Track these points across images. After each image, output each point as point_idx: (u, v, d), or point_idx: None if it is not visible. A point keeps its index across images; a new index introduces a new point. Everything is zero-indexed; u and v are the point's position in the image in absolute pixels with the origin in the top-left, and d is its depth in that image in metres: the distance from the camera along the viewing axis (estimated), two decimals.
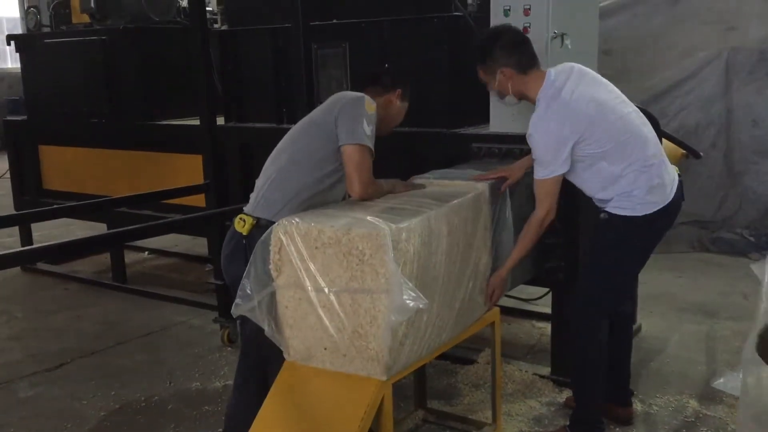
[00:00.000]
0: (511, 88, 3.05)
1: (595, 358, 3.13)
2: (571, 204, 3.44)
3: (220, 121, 4.89)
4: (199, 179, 4.80)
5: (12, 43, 6.25)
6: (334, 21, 4.40)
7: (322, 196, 2.79)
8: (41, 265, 6.20)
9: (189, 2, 4.66)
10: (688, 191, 3.50)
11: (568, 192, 3.11)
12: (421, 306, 2.30)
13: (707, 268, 5.65)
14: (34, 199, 6.20)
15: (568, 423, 3.27)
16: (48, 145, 6.20)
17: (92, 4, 5.71)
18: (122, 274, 5.83)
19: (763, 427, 2.12)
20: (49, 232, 6.50)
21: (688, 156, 4.31)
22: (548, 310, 4.02)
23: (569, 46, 3.46)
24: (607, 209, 3.01)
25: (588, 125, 2.89)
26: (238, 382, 2.95)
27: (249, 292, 2.51)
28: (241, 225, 2.78)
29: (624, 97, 3.06)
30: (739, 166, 6.11)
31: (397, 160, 4.13)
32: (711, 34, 6.17)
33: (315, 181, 2.77)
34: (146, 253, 6.73)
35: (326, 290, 2.42)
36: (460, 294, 2.79)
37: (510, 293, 3.83)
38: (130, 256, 6.31)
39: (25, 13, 7.01)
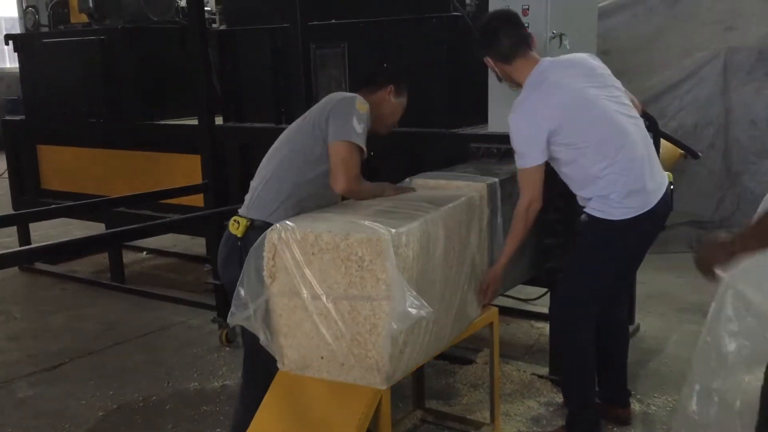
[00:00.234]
0: (501, 75, 3.07)
1: (582, 360, 3.12)
2: (569, 204, 3.44)
3: (219, 121, 4.89)
4: (197, 179, 4.80)
5: (10, 42, 6.24)
6: (333, 21, 4.40)
7: (317, 196, 2.78)
8: (39, 265, 6.19)
9: (187, 2, 4.67)
10: (686, 191, 3.49)
11: (568, 193, 3.11)
12: (423, 314, 2.25)
13: None
14: (33, 198, 6.20)
15: (565, 425, 3.26)
16: (46, 144, 6.20)
17: (90, 4, 5.70)
18: (121, 274, 5.82)
19: None
20: (47, 232, 6.50)
21: (686, 156, 4.31)
22: (546, 310, 4.02)
23: (567, 47, 3.46)
24: (587, 210, 2.99)
25: (565, 115, 2.86)
26: (243, 391, 2.92)
27: (244, 300, 2.45)
28: (236, 227, 2.76)
29: (625, 100, 3.02)
30: (738, 166, 6.12)
31: (396, 160, 4.14)
32: (709, 34, 6.17)
33: (309, 181, 2.76)
34: (145, 253, 6.73)
35: (323, 297, 2.35)
36: (457, 298, 2.77)
37: (508, 293, 3.83)
38: (128, 256, 6.31)
39: (24, 12, 7.01)
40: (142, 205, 5.27)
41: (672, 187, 3.13)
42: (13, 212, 6.08)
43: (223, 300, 4.43)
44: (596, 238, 2.99)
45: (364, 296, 2.29)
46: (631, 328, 3.93)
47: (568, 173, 2.99)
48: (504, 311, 4.36)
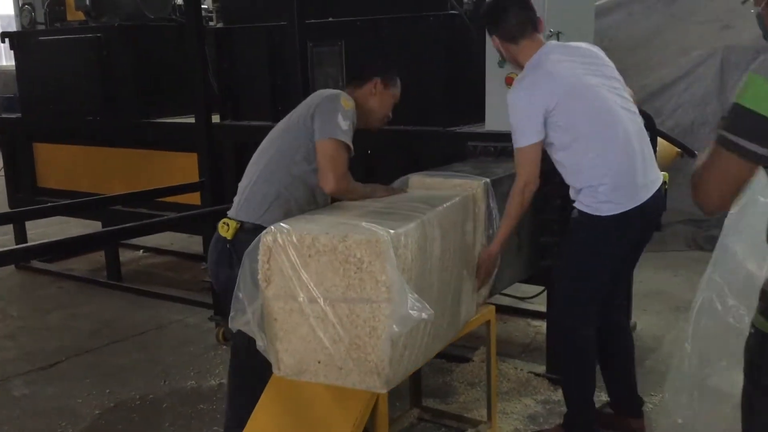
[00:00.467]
0: (506, 56, 3.05)
1: (582, 360, 3.10)
2: (566, 203, 3.45)
3: (216, 119, 4.88)
4: (194, 177, 4.80)
5: (6, 40, 6.22)
6: (330, 19, 4.40)
7: (306, 196, 2.76)
8: (36, 264, 6.19)
9: (184, 0, 4.65)
10: (682, 190, 3.48)
11: (565, 192, 3.11)
12: (425, 316, 2.22)
13: (701, 267, 5.60)
14: (29, 197, 6.18)
15: (562, 422, 3.27)
16: (43, 142, 6.18)
17: (87, 2, 5.69)
18: (117, 272, 5.82)
19: None
20: (43, 230, 6.49)
21: (683, 155, 4.31)
22: (543, 308, 4.03)
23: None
24: (576, 206, 2.98)
25: (562, 96, 2.84)
26: (231, 392, 2.89)
27: (242, 304, 2.41)
28: (225, 229, 2.74)
29: (626, 94, 3.01)
30: None
31: (393, 159, 4.15)
32: (706, 32, 6.18)
33: (296, 180, 2.74)
34: (141, 251, 6.73)
35: (320, 300, 2.30)
36: (454, 298, 2.76)
37: (505, 292, 3.83)
38: (125, 255, 6.31)
39: (20, 10, 6.98)
40: (138, 203, 5.26)
41: (666, 187, 3.12)
42: (9, 210, 6.06)
43: (219, 298, 4.43)
44: (587, 236, 2.98)
45: (363, 299, 2.25)
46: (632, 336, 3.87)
47: (560, 160, 2.96)
48: (501, 309, 4.36)
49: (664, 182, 3.07)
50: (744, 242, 2.60)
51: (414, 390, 3.50)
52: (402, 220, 2.41)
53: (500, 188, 3.08)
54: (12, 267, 6.13)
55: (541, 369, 3.88)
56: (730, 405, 2.56)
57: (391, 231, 2.26)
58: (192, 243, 6.62)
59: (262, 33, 4.69)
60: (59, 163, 6.10)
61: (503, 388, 3.73)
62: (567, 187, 3.07)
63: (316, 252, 2.30)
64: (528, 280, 3.76)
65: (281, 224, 2.37)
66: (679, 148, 4.29)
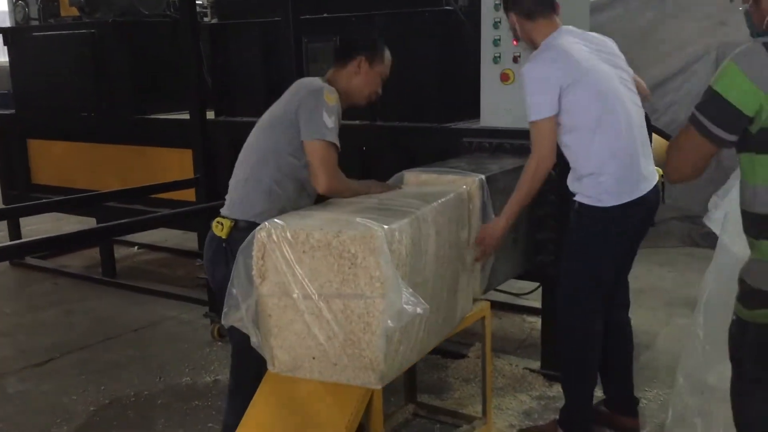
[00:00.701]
0: (521, 33, 3.04)
1: (584, 356, 3.10)
2: (561, 199, 3.45)
3: (210, 115, 4.87)
4: (189, 173, 4.79)
5: (0, 36, 6.20)
6: (325, 15, 4.39)
7: (296, 190, 2.75)
8: (30, 260, 6.18)
9: None
10: (677, 186, 3.49)
11: (560, 187, 3.11)
12: (419, 311, 2.21)
13: (696, 263, 5.66)
14: (23, 193, 6.16)
15: (557, 417, 3.27)
16: (37, 139, 6.16)
17: None
18: (112, 269, 5.81)
19: None
20: (38, 227, 6.48)
21: None
22: (538, 304, 4.03)
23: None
24: (577, 199, 2.98)
25: (577, 76, 2.84)
26: (231, 390, 2.89)
27: (236, 300, 2.40)
28: (219, 228, 2.72)
29: (633, 87, 3.02)
30: (729, 160, 6.04)
31: (389, 155, 4.14)
32: (701, 29, 6.18)
33: (286, 176, 2.72)
34: (136, 247, 6.71)
35: (315, 296, 2.29)
36: (449, 294, 2.75)
37: (501, 288, 3.83)
38: (119, 251, 6.29)
39: (14, 6, 6.95)
40: (133, 199, 5.24)
41: (663, 180, 3.12)
42: (3, 206, 6.05)
43: (214, 295, 4.42)
44: (588, 230, 2.98)
45: (357, 294, 2.25)
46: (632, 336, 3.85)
47: (567, 143, 2.96)
48: (496, 306, 4.38)
49: (661, 176, 3.08)
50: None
51: (409, 386, 3.50)
52: (396, 215, 2.40)
53: (495, 184, 3.07)
54: (6, 263, 6.11)
55: (537, 365, 3.88)
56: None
57: (385, 226, 2.26)
58: (187, 240, 6.61)
59: (257, 29, 4.67)
60: (53, 160, 6.08)
61: (498, 383, 3.74)
62: (562, 183, 3.08)
63: (310, 248, 2.29)
64: (523, 276, 3.76)
65: (275, 220, 2.37)
66: None
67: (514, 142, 3.56)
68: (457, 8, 3.99)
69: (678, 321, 4.53)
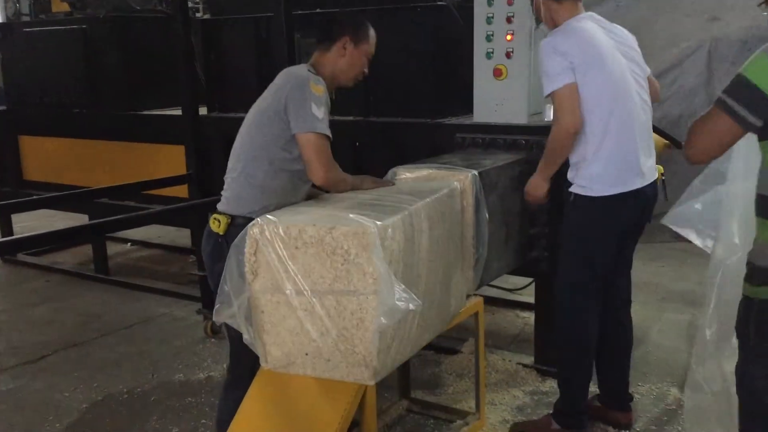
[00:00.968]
0: (544, 14, 3.04)
1: (579, 349, 3.10)
2: (554, 193, 3.45)
3: (203, 111, 4.86)
4: (181, 170, 4.77)
5: None
6: (318, 10, 4.37)
7: (290, 183, 2.74)
8: (22, 257, 6.15)
9: None
10: (670, 181, 3.49)
11: (553, 182, 3.11)
12: (412, 307, 2.21)
13: (689, 258, 5.68)
14: (15, 189, 6.13)
15: (551, 411, 3.27)
16: (28, 135, 6.13)
17: None
18: (105, 265, 5.79)
19: None
20: (29, 224, 6.44)
21: (671, 146, 4.32)
22: (532, 300, 4.04)
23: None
24: (572, 189, 2.99)
25: (592, 57, 2.85)
26: (229, 384, 2.87)
27: (228, 297, 2.39)
28: (217, 225, 2.71)
29: (645, 84, 3.03)
30: None
31: (381, 151, 4.14)
32: (694, 24, 6.20)
33: (279, 170, 2.71)
34: (129, 244, 6.70)
35: (308, 292, 2.29)
36: (442, 290, 2.75)
37: (494, 283, 3.84)
38: (112, 248, 6.28)
39: (4, 1, 6.92)
40: (125, 196, 5.23)
41: (664, 178, 3.13)
42: None
43: (207, 291, 4.41)
44: (581, 220, 2.99)
45: (350, 290, 2.25)
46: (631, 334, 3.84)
47: None
48: (489, 301, 4.37)
49: (662, 174, 3.09)
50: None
51: (403, 381, 3.50)
52: (389, 211, 2.40)
53: (488, 180, 3.07)
54: None
55: (530, 360, 3.89)
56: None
57: (378, 222, 2.25)
58: (180, 236, 6.59)
59: (250, 24, 4.66)
60: (45, 156, 6.05)
61: (492, 379, 3.74)
62: (555, 179, 3.08)
63: (303, 244, 2.29)
64: (517, 272, 3.76)
65: (268, 216, 2.36)
66: (667, 139, 4.30)
67: (507, 137, 3.56)
68: (450, 3, 3.98)
69: (671, 316, 4.54)
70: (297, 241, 2.29)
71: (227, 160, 2.87)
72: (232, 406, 2.60)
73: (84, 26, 5.50)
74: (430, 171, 3.02)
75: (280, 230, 2.31)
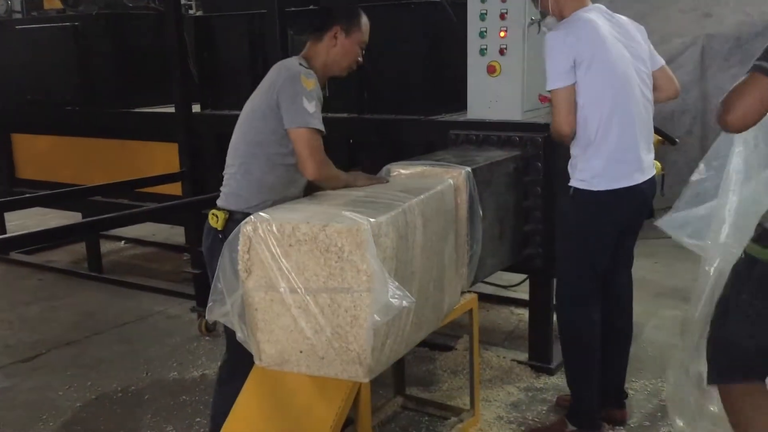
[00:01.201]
0: (552, 5, 3.03)
1: (584, 347, 3.08)
2: (548, 191, 3.45)
3: (196, 108, 4.85)
4: (175, 167, 4.76)
5: None
6: (311, 7, 4.36)
7: (287, 177, 2.74)
8: (15, 255, 6.13)
9: None
10: (666, 178, 3.50)
11: (547, 179, 3.12)
12: (406, 304, 2.21)
13: (683, 254, 5.66)
14: (7, 188, 6.11)
15: (566, 413, 3.23)
16: (21, 133, 6.10)
17: None
18: (98, 263, 5.78)
19: None
20: (23, 222, 6.42)
21: (664, 142, 4.33)
22: (526, 296, 4.04)
23: (546, 32, 3.46)
24: (571, 184, 2.99)
25: (598, 49, 2.85)
26: (225, 379, 2.86)
27: (221, 294, 2.39)
28: (215, 220, 2.72)
29: (648, 81, 3.03)
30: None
31: (375, 147, 4.13)
32: (687, 21, 6.21)
33: (275, 164, 2.72)
34: (123, 242, 6.68)
35: (301, 290, 2.28)
36: (436, 287, 2.75)
37: (488, 280, 3.84)
38: (106, 246, 6.26)
39: None
40: (118, 194, 5.21)
41: (664, 173, 3.13)
42: None
43: (201, 289, 4.41)
44: (581, 214, 2.99)
45: (344, 288, 2.25)
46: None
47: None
48: (484, 298, 4.39)
49: (661, 170, 3.09)
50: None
51: (397, 378, 3.51)
52: (383, 208, 2.39)
53: (482, 177, 3.07)
54: None
55: (524, 357, 3.90)
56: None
57: (372, 220, 2.25)
58: (174, 234, 6.58)
59: (242, 21, 4.64)
60: (38, 154, 6.03)
61: (486, 375, 3.75)
62: (549, 176, 3.08)
63: (296, 241, 2.28)
64: (511, 269, 3.76)
65: (261, 214, 2.36)
66: (660, 135, 4.31)
67: (501, 134, 3.56)
68: (444, 0, 3.98)
69: (665, 312, 4.55)
70: (290, 239, 2.29)
71: (221, 158, 2.88)
72: (227, 400, 2.60)
73: (76, 23, 5.47)
74: (424, 168, 3.01)
75: (274, 228, 2.30)
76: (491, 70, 3.64)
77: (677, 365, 2.85)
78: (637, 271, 3.45)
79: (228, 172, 2.83)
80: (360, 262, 2.21)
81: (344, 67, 2.91)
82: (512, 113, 3.63)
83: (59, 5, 5.87)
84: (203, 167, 4.68)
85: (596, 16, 2.96)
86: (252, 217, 2.35)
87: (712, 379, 2.44)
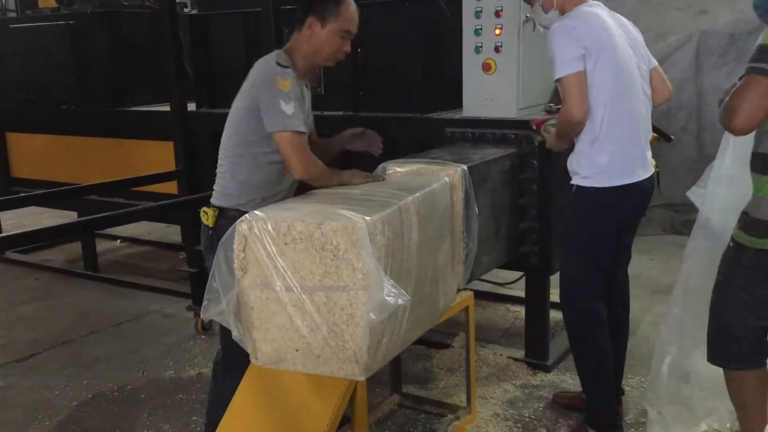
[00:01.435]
0: (555, 1, 3.02)
1: (594, 346, 3.06)
2: (544, 188, 3.46)
3: (192, 106, 4.84)
4: (170, 166, 4.75)
5: None
6: None
7: (274, 174, 2.75)
8: (11, 255, 6.13)
9: None
10: (661, 175, 3.51)
11: (543, 177, 3.12)
12: (401, 302, 2.21)
13: (679, 251, 5.66)
14: (3, 187, 6.09)
15: (584, 418, 3.21)
16: (16, 132, 6.09)
17: None
18: (94, 262, 5.77)
19: None
20: (18, 221, 6.40)
21: (659, 139, 4.33)
22: (522, 294, 4.05)
23: (541, 30, 3.46)
24: (574, 181, 2.99)
25: (605, 42, 2.85)
26: (220, 376, 2.86)
27: (216, 293, 2.38)
28: (205, 217, 2.74)
29: (648, 78, 3.04)
30: (710, 149, 6.16)
31: None
32: (682, 18, 6.22)
33: (262, 163, 2.73)
34: (119, 241, 6.67)
35: (297, 288, 2.27)
36: (432, 285, 2.75)
37: (484, 277, 3.84)
38: (102, 245, 6.25)
39: None
40: (114, 192, 5.20)
41: (659, 170, 3.14)
42: None
43: (197, 288, 4.40)
44: (585, 211, 2.99)
45: (340, 286, 2.24)
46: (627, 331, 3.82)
47: None
48: (480, 295, 4.39)
49: (656, 166, 3.10)
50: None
51: (394, 376, 3.51)
52: (378, 206, 2.39)
53: (478, 174, 3.07)
54: None
55: (521, 354, 3.90)
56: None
57: (367, 218, 2.24)
58: (170, 233, 6.57)
59: (238, 19, 4.64)
60: (33, 153, 6.01)
61: (482, 373, 3.75)
62: (546, 171, 3.08)
63: (292, 240, 2.28)
64: (507, 266, 3.77)
65: (256, 212, 2.35)
66: (656, 133, 4.31)
67: (497, 131, 3.56)
68: None
69: (660, 309, 4.55)
70: (286, 237, 2.29)
71: (216, 156, 2.89)
72: (223, 397, 2.60)
73: (71, 22, 5.46)
74: (420, 166, 3.01)
75: (269, 226, 2.29)
76: (486, 67, 3.64)
77: (657, 357, 2.99)
78: (633, 267, 3.46)
79: (219, 170, 2.86)
80: (355, 260, 2.21)
81: (326, 58, 2.86)
82: (508, 111, 3.63)
83: (54, 4, 5.85)
84: (199, 166, 4.67)
85: (599, 10, 2.97)
86: (247, 215, 2.35)
87: (711, 360, 2.61)
